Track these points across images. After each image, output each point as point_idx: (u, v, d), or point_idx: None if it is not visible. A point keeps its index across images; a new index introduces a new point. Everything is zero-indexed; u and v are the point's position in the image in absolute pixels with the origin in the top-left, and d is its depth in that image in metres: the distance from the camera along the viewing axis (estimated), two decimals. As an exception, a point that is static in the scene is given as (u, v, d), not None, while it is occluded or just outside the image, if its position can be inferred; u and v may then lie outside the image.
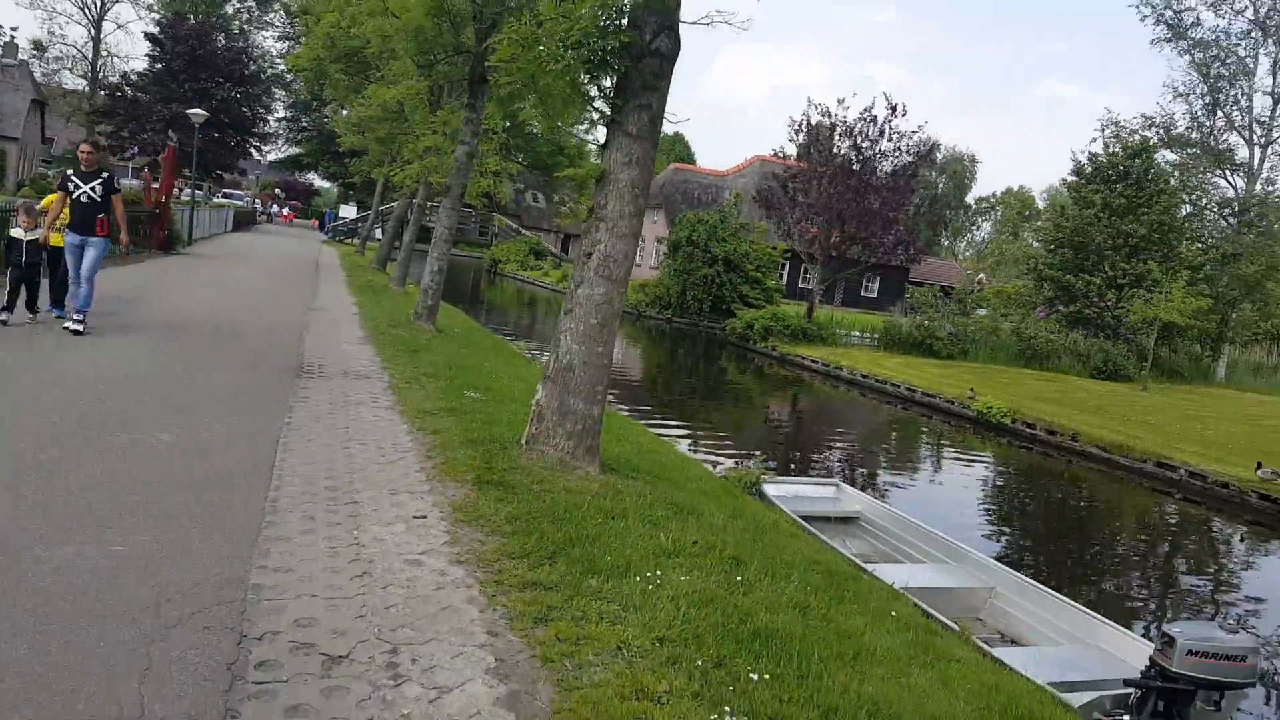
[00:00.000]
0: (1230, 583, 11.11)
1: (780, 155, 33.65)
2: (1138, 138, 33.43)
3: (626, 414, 14.16)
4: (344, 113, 35.06)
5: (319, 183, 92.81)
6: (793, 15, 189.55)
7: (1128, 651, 5.65)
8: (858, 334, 31.14)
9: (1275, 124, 32.47)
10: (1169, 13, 33.54)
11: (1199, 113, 33.82)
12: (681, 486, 6.90)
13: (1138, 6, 33.87)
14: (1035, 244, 37.94)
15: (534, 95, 7.08)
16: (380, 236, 40.76)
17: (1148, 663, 4.60)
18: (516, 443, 6.59)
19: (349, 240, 51.37)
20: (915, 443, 18.72)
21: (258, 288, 18.69)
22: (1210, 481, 14.92)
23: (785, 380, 24.90)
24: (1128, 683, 4.75)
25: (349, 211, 60.12)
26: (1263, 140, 32.88)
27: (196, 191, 65.03)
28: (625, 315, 40.57)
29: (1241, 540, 13.40)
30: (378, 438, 7.01)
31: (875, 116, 28.56)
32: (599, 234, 6.31)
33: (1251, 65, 32.93)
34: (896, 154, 28.59)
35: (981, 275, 60.39)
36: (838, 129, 29.06)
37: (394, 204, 60.38)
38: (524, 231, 67.78)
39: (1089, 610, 6.36)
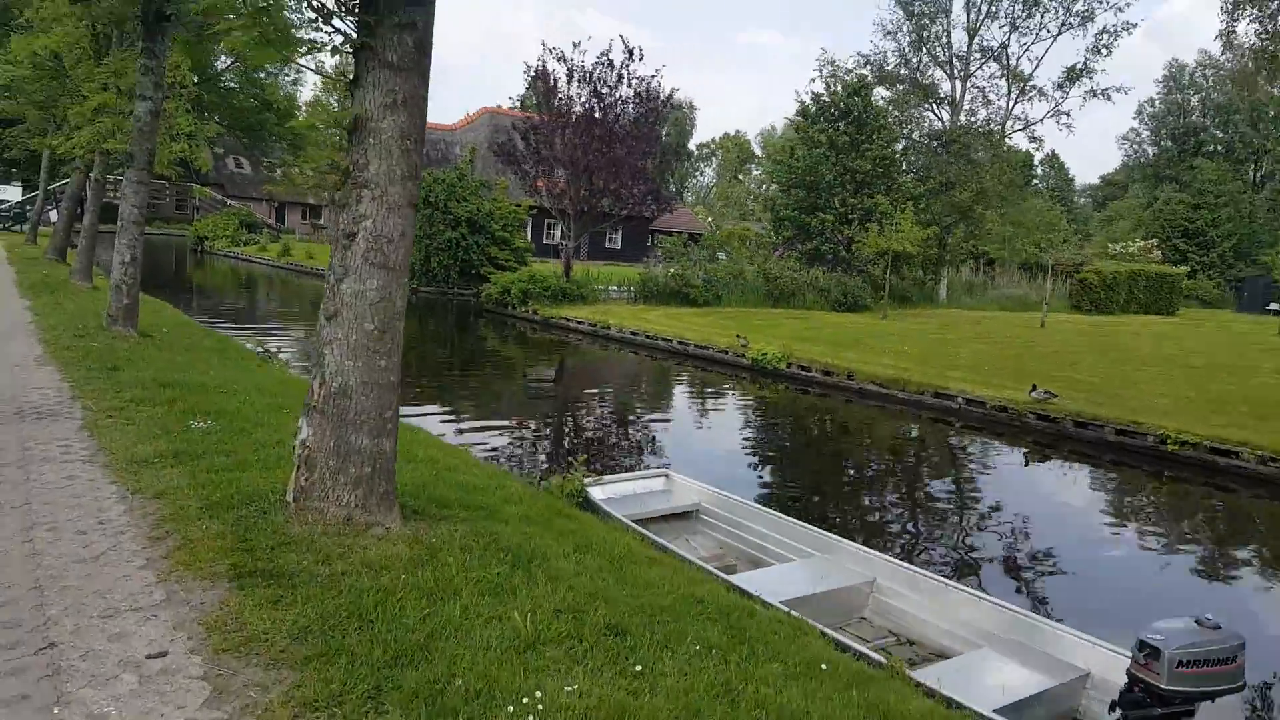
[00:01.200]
0: (1039, 511, 11.38)
1: (516, 106, 31.93)
2: (854, 76, 35.42)
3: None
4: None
5: (-35, 161, 78.26)
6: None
7: (1057, 648, 5.14)
8: (615, 288, 30.63)
9: (971, 58, 35.65)
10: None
11: (906, 50, 36.38)
12: (503, 517, 5.55)
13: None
14: (773, 186, 39.38)
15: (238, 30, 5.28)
16: (54, 220, 34.52)
17: (1127, 679, 4.03)
18: (280, 500, 4.90)
19: (16, 228, 43.38)
20: (700, 399, 18.31)
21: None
22: (990, 407, 15.57)
23: (552, 345, 23.75)
24: (1113, 706, 4.17)
25: (11, 193, 50.85)
26: (962, 74, 36.04)
27: None
28: None
29: (1028, 463, 13.99)
30: (75, 514, 5.01)
31: (612, 61, 27.77)
32: (363, 205, 4.72)
33: (948, 3, 35.84)
34: (637, 100, 27.98)
35: (709, 219, 62.49)
36: (575, 75, 27.90)
37: (68, 180, 52.13)
38: (230, 202, 61.11)
39: (989, 597, 5.84)
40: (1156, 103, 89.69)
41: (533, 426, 14.26)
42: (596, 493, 7.29)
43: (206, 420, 7.34)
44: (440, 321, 28.28)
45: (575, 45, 28.06)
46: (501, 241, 34.30)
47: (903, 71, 36.68)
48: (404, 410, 6.87)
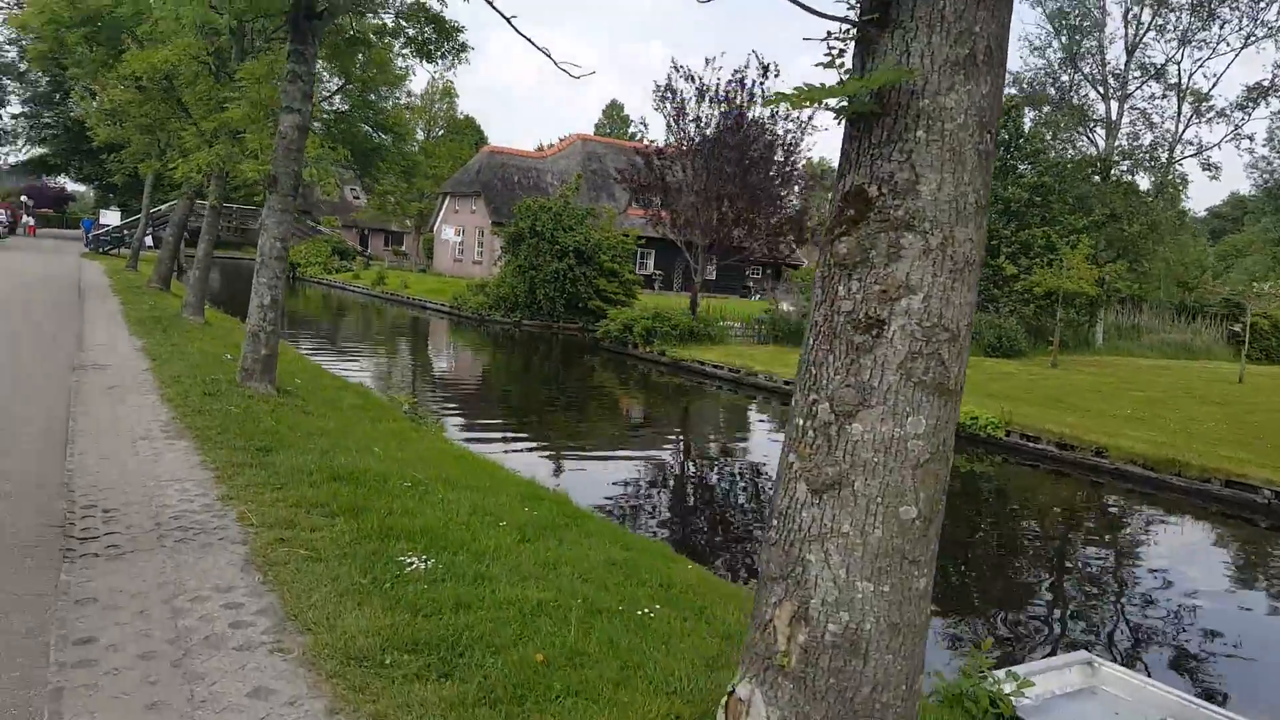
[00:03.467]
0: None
1: (639, 132, 29.44)
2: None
3: (599, 512, 10.15)
4: (94, 102, 28.07)
5: (72, 186, 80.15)
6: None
7: None
8: (737, 325, 28.19)
9: (1130, 76, 32.45)
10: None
11: (1056, 68, 33.33)
12: None
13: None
14: None
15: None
16: (151, 245, 33.73)
17: None
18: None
19: (116, 252, 43.08)
20: None
21: (-15, 338, 12.95)
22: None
23: (688, 393, 21.21)
24: None
25: (112, 217, 51.01)
26: (1119, 94, 32.82)
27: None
28: (466, 322, 36.09)
29: None
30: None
31: (744, 80, 25.48)
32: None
33: (1101, 17, 32.73)
34: (773, 121, 25.63)
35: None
36: (706, 94, 25.68)
37: (171, 204, 52.01)
38: (323, 229, 60.67)
39: None
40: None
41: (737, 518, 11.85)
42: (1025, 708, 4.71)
43: (419, 554, 5.10)
44: (556, 360, 26.20)
45: (707, 62, 25.92)
46: (610, 273, 32.29)
47: (1051, 91, 33.60)
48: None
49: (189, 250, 48.64)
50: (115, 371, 11.03)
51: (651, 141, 28.40)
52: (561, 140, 58.36)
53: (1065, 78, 33.41)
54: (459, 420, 15.38)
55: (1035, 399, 19.29)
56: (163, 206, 46.81)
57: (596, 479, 12.19)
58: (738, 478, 13.68)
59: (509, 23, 10.62)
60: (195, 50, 14.90)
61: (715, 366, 22.39)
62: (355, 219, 71.97)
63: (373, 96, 22.90)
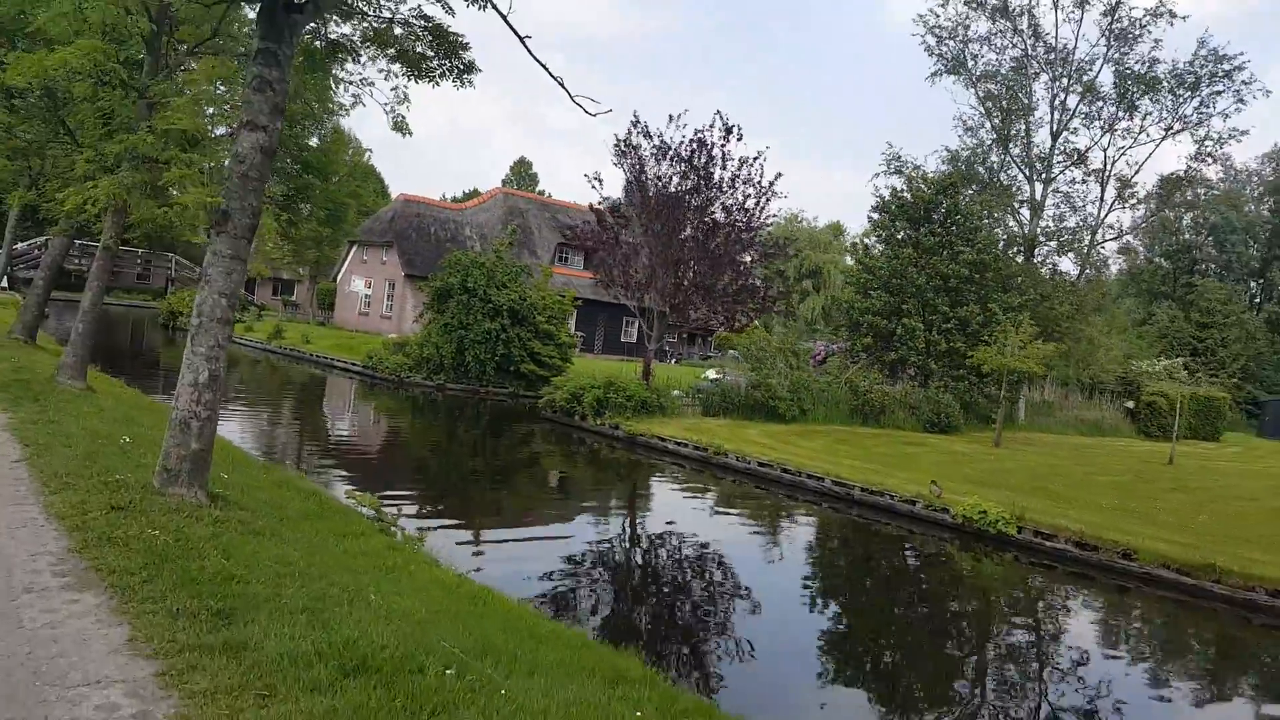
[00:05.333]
0: None
1: (545, 190, 27.07)
2: (935, 173, 32.37)
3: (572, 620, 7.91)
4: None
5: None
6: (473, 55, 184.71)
7: None
8: (677, 393, 26.31)
9: (1055, 160, 32.94)
10: (950, 43, 33.10)
11: (986, 148, 33.59)
12: None
13: (921, 36, 33.32)
14: (847, 286, 35.76)
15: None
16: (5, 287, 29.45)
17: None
18: None
19: (-35, 293, 37.95)
20: (953, 597, 12.48)
21: None
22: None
23: (649, 472, 19.11)
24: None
25: (-38, 255, 45.25)
26: (1043, 177, 33.26)
27: None
28: (382, 384, 32.56)
29: None
30: None
31: (705, 140, 24.05)
32: None
33: (1028, 101, 33.30)
34: (732, 185, 24.23)
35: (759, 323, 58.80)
36: (666, 153, 24.07)
37: (33, 242, 46.73)
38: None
39: None
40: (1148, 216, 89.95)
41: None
42: None
43: None
44: (486, 429, 23.56)
45: (671, 119, 24.35)
46: (545, 335, 30.06)
47: (980, 170, 33.82)
48: None
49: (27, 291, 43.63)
50: (-28, 467, 8.14)
51: (605, 199, 26.53)
52: (481, 194, 56.25)
53: (995, 158, 33.82)
54: (412, 509, 12.80)
55: (1013, 485, 18.06)
56: (21, 245, 41.85)
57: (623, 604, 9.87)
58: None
59: (523, 44, 8.59)
60: (100, 55, 12.17)
61: (679, 444, 20.21)
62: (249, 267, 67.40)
63: (298, 128, 20.31)
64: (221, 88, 15.91)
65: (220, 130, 18.04)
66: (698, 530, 14.15)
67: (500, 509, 14.68)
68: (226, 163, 7.57)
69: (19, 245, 39.98)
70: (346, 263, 49.05)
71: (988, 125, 33.74)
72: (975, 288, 29.77)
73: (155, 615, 4.83)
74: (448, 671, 4.65)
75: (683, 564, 12.35)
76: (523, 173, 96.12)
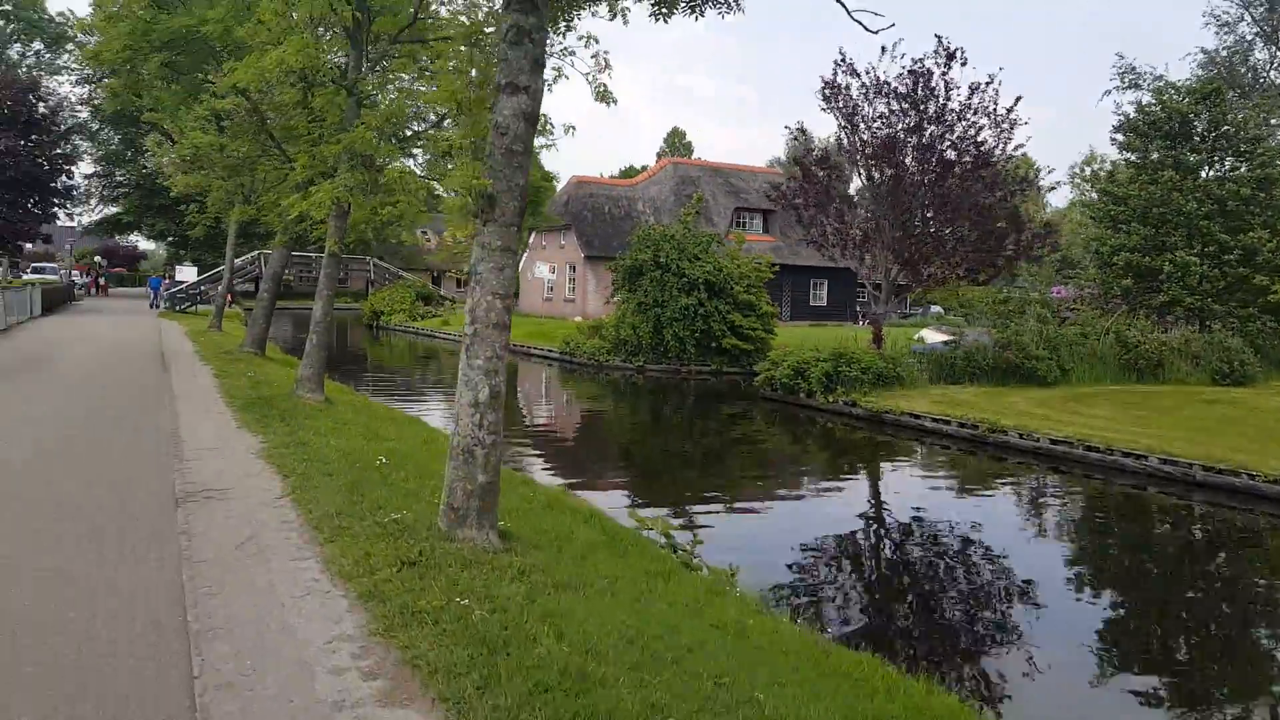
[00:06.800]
0: None
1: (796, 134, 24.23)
2: (1186, 81, 27.85)
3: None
4: (171, 148, 25.35)
5: (144, 244, 79.52)
6: (607, 41, 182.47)
7: None
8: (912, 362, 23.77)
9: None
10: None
11: (1248, 44, 28.66)
12: None
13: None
14: (1090, 223, 31.63)
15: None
16: (224, 303, 30.75)
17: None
18: None
19: (194, 309, 40.61)
20: None
21: (60, 448, 9.46)
22: None
23: (933, 462, 16.44)
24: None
25: (188, 273, 48.87)
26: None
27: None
28: (580, 368, 31.74)
29: None
30: None
31: (929, 70, 21.38)
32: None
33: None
34: (961, 118, 21.38)
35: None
36: (882, 90, 21.55)
37: (250, 256, 49.70)
38: (404, 274, 58.08)
39: None
40: None
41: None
42: None
43: None
44: (704, 413, 22.17)
45: (884, 51, 21.83)
46: (744, 306, 28.35)
47: (1241, 71, 28.88)
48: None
49: (246, 304, 46.28)
50: (238, 503, 7.36)
51: (812, 149, 24.32)
52: (650, 167, 55.17)
53: (1260, 55, 28.74)
54: (640, 501, 11.55)
55: None
56: (239, 259, 44.45)
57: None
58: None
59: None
60: (311, 51, 11.44)
61: (938, 420, 17.77)
62: (427, 261, 69.45)
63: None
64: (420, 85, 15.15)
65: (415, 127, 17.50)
66: (999, 536, 11.74)
67: (746, 498, 13.17)
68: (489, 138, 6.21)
69: (238, 261, 42.57)
70: (527, 250, 49.21)
71: (1248, 17, 28.68)
72: (1260, 209, 25.28)
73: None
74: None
75: (999, 587, 10.25)
76: (676, 143, 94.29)
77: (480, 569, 5.65)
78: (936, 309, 50.66)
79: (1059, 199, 59.82)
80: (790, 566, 9.77)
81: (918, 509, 12.54)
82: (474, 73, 9.32)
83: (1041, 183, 68.17)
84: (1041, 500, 13.90)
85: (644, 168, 79.78)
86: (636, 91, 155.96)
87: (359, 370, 29.40)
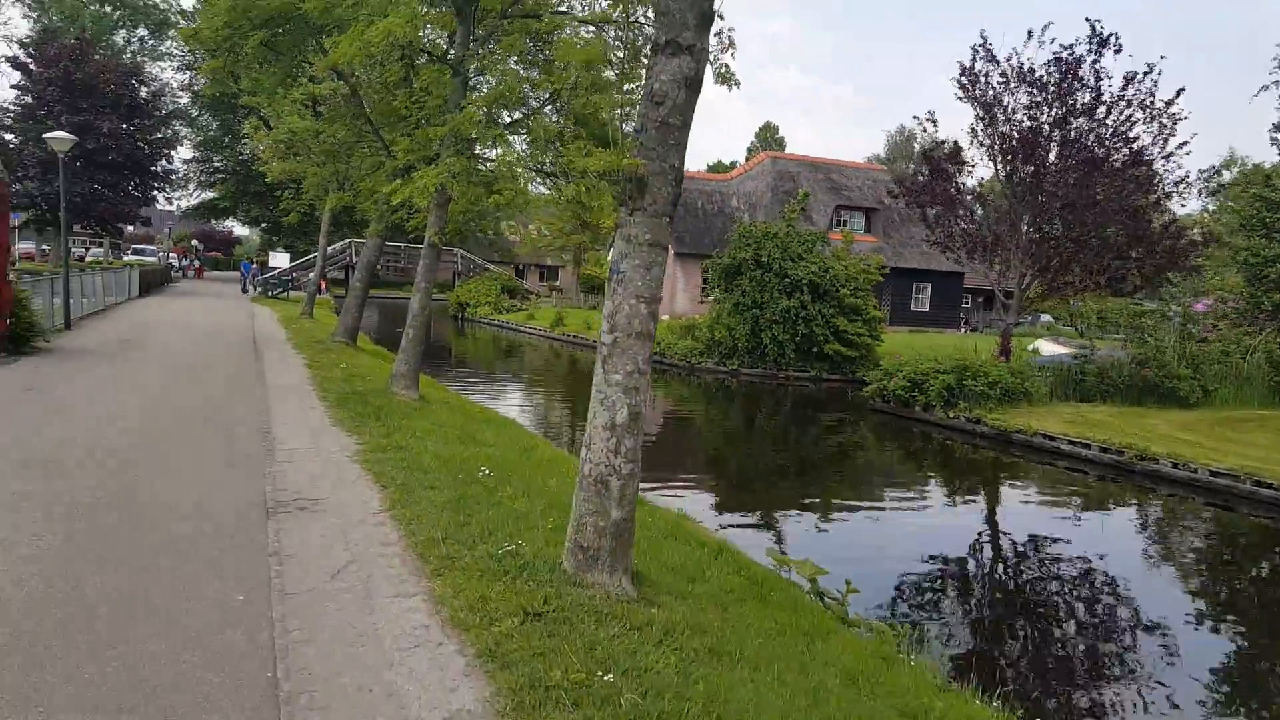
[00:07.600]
0: None
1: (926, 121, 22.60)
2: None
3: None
4: (268, 133, 25.32)
5: (239, 229, 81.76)
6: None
7: None
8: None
9: None
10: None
11: None
12: None
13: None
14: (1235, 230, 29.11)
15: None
16: (316, 290, 30.76)
17: None
18: None
19: (285, 295, 41.05)
20: None
21: (146, 441, 8.87)
22: None
23: (1070, 491, 14.58)
24: None
25: (281, 260, 49.64)
26: None
27: (91, 249, 54.04)
28: (670, 370, 30.53)
29: None
30: None
31: (1078, 58, 19.65)
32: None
33: None
34: (1112, 111, 19.54)
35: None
36: (1025, 78, 19.84)
37: (343, 244, 50.27)
38: (490, 266, 58.08)
39: None
40: None
41: None
42: None
43: None
44: (806, 423, 20.87)
45: (1030, 35, 20.13)
46: (850, 310, 26.92)
47: None
48: None
49: (336, 291, 46.62)
50: (333, 517, 6.58)
51: (943, 141, 22.74)
52: (745, 163, 53.84)
53: None
54: (749, 522, 10.42)
55: None
56: (331, 247, 44.89)
57: None
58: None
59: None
60: (419, 21, 10.70)
61: (1075, 443, 16.12)
62: (513, 254, 69.33)
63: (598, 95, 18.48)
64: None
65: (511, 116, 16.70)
66: (1170, 589, 10.26)
67: (888, 523, 11.94)
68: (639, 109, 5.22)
69: (331, 249, 43.07)
70: (613, 245, 48.47)
71: None
72: None
73: None
74: None
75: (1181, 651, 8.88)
76: (768, 138, 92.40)
77: (618, 625, 4.68)
78: (1046, 318, 48.07)
79: (1179, 205, 55.90)
80: (942, 615, 8.55)
81: (1095, 555, 10.97)
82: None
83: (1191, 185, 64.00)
84: (1199, 537, 12.29)
85: (733, 164, 78.30)
86: (714, 88, 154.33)
87: (445, 364, 28.99)
